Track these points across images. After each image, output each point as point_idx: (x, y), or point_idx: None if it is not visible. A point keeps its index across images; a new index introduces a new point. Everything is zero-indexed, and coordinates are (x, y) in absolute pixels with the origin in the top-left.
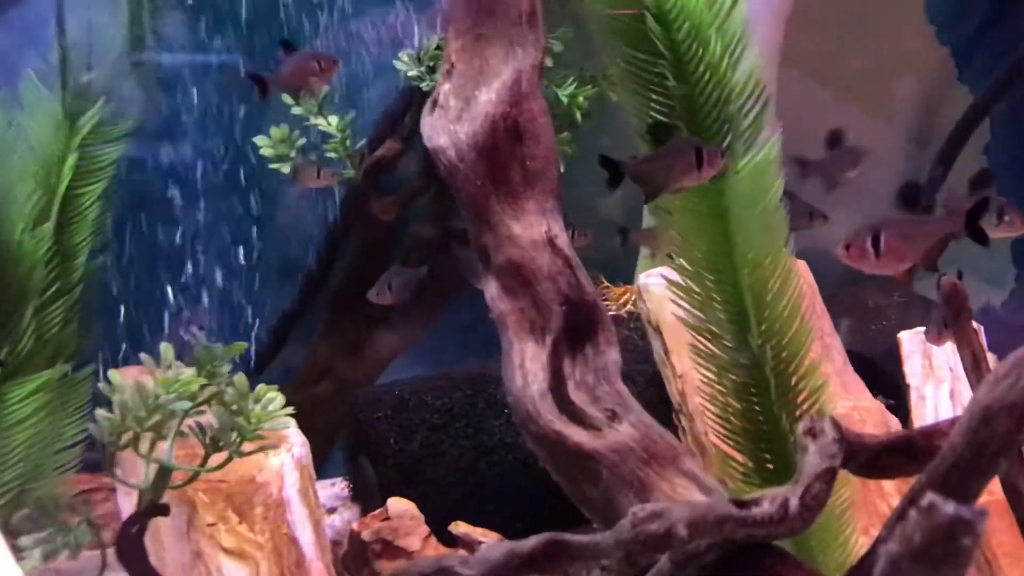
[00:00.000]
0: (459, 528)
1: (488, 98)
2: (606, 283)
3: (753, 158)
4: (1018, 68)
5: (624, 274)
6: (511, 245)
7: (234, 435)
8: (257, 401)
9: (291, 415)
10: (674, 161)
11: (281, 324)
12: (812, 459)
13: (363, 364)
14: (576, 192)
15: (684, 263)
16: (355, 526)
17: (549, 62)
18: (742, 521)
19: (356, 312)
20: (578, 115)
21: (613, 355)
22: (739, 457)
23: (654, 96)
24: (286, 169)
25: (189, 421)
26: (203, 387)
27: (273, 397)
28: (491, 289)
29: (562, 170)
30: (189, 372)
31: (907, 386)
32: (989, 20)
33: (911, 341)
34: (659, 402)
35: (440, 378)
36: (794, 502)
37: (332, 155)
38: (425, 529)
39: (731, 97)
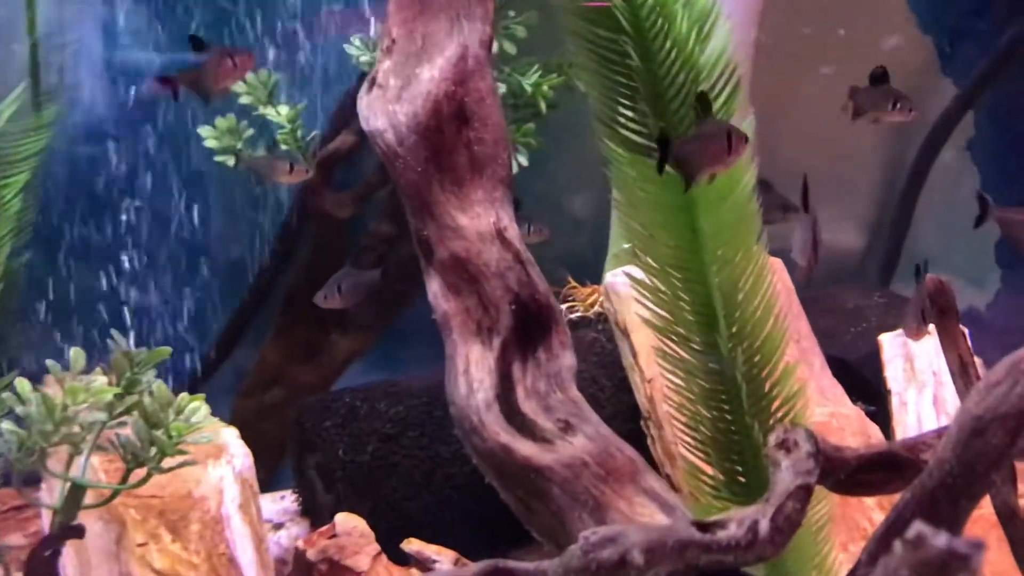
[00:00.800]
0: (412, 545)
1: (431, 75)
2: (573, 282)
3: None
4: (1002, 60)
5: (592, 273)
6: (456, 237)
7: (153, 450)
8: (179, 412)
9: (231, 425)
10: (708, 145)
11: (230, 327)
12: (785, 476)
13: (317, 369)
14: (542, 187)
15: (650, 260)
16: (300, 544)
17: (512, 49)
18: (706, 546)
19: (309, 314)
20: (543, 105)
21: (568, 359)
22: (709, 470)
23: (617, 77)
24: (231, 162)
25: (109, 433)
26: (121, 397)
27: (196, 407)
28: (433, 286)
29: (525, 163)
30: (101, 381)
31: (888, 391)
32: (973, 10)
33: (892, 344)
34: (628, 409)
35: (394, 385)
36: (764, 524)
37: (284, 147)
38: (375, 547)
39: (699, 78)
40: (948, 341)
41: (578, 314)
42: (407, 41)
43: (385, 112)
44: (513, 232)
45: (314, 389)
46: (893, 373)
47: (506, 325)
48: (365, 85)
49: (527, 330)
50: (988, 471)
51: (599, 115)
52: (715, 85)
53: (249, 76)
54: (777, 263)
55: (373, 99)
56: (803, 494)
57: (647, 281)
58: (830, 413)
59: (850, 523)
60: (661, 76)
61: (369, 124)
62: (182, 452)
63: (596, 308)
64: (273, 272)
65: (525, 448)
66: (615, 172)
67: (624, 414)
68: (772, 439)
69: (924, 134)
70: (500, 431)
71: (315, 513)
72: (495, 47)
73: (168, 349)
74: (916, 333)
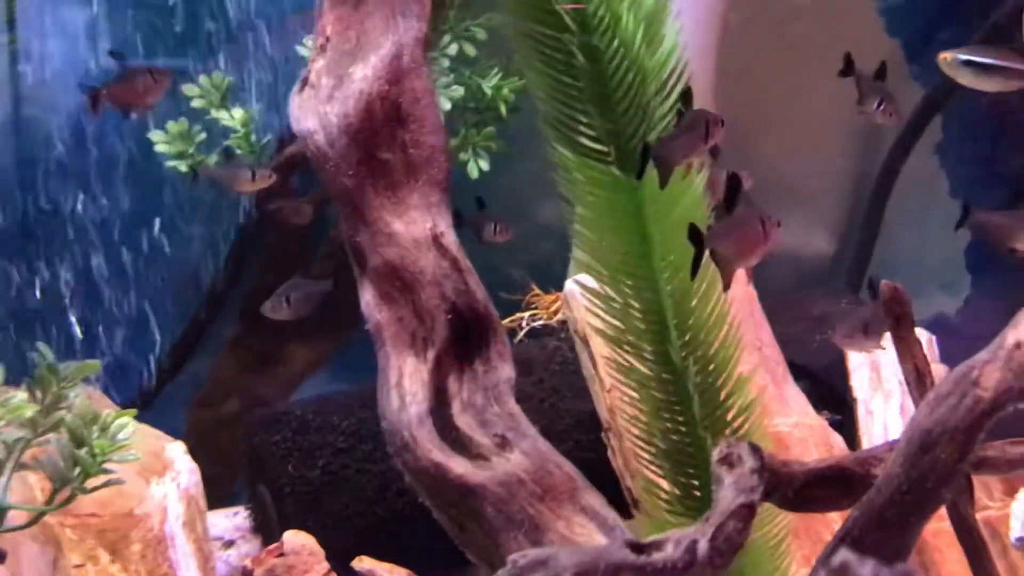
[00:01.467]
0: (363, 564)
1: (364, 74)
2: (536, 289)
3: None
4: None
5: (558, 280)
6: (390, 244)
7: (77, 470)
8: (104, 429)
9: (186, 438)
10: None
11: (185, 337)
12: (727, 493)
13: (273, 381)
14: (506, 192)
15: (600, 267)
16: (248, 563)
17: (472, 51)
18: (640, 569)
19: (266, 324)
20: (504, 108)
21: (506, 371)
22: (664, 484)
23: (564, 78)
24: (184, 167)
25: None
26: (47, 413)
27: (123, 424)
28: (367, 296)
29: (486, 168)
30: (20, 397)
31: (854, 400)
32: (941, 13)
33: (857, 352)
34: (589, 419)
35: (348, 396)
36: (703, 545)
37: (238, 151)
38: (325, 566)
39: (647, 79)
40: (904, 350)
41: (541, 322)
42: (341, 39)
43: (316, 113)
44: (450, 238)
45: (271, 400)
46: (859, 381)
47: (442, 336)
48: (297, 85)
49: (464, 341)
50: (938, 487)
51: (546, 117)
52: (664, 86)
53: (202, 78)
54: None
55: (304, 99)
56: (745, 512)
57: (599, 289)
58: (792, 423)
59: (813, 536)
60: (608, 77)
61: (299, 125)
62: (106, 471)
63: (559, 316)
64: (229, 280)
65: (458, 466)
66: (564, 177)
67: (585, 424)
68: (715, 454)
69: (893, 138)
70: (432, 448)
71: (267, 530)
72: (454, 49)
73: (97, 363)
74: (850, 342)
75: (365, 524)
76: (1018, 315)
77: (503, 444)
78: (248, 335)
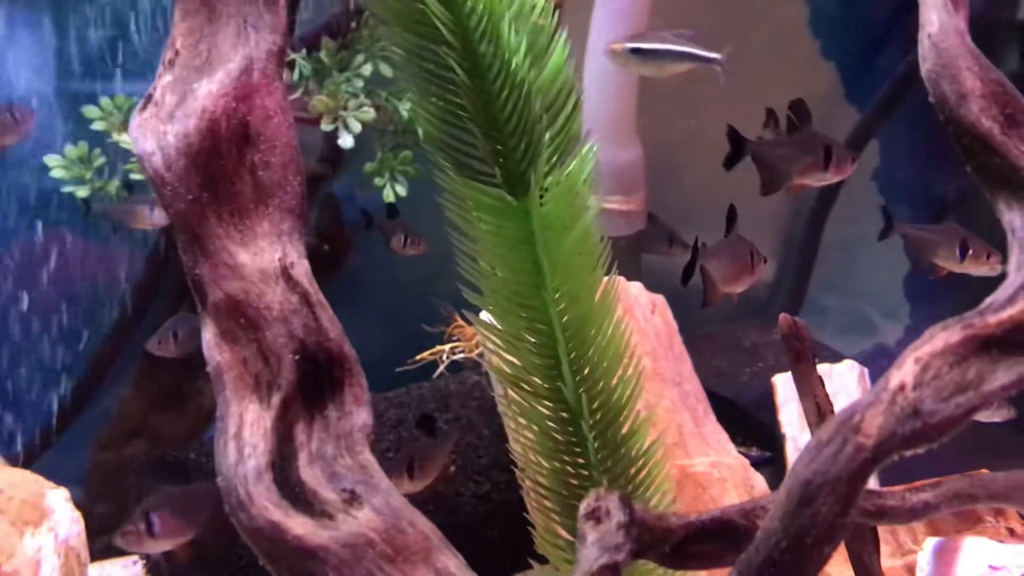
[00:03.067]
0: None
1: (208, 91)
2: (459, 321)
3: (563, 172)
4: (903, 85)
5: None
6: (233, 277)
7: None
8: None
9: (89, 480)
10: (801, 153)
11: (90, 372)
12: (589, 552)
13: (183, 419)
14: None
15: (493, 299)
16: None
17: (388, 71)
18: None
19: (173, 359)
20: (421, 131)
21: (362, 417)
22: (561, 532)
23: (445, 95)
24: (83, 192)
25: None
26: None
27: None
28: (207, 334)
29: (404, 193)
30: None
31: (783, 436)
32: (878, 34)
33: (787, 385)
34: (507, 458)
35: None
36: None
37: (135, 176)
38: None
39: (532, 97)
40: (804, 387)
41: (462, 355)
42: (191, 53)
43: (155, 132)
44: (302, 270)
45: (180, 442)
46: (788, 416)
47: (289, 379)
48: (140, 102)
49: (314, 384)
50: (820, 543)
51: (428, 136)
52: (552, 105)
53: (103, 100)
54: (660, 300)
55: (145, 118)
56: (608, 574)
57: (491, 322)
58: (711, 463)
59: None
60: (491, 95)
61: (138, 146)
62: None
63: (480, 349)
64: (137, 311)
65: (297, 526)
66: (451, 201)
67: (502, 464)
68: (582, 508)
69: None
70: (269, 506)
71: None
72: (369, 69)
73: None
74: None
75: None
76: (903, 355)
77: (352, 500)
78: (155, 370)
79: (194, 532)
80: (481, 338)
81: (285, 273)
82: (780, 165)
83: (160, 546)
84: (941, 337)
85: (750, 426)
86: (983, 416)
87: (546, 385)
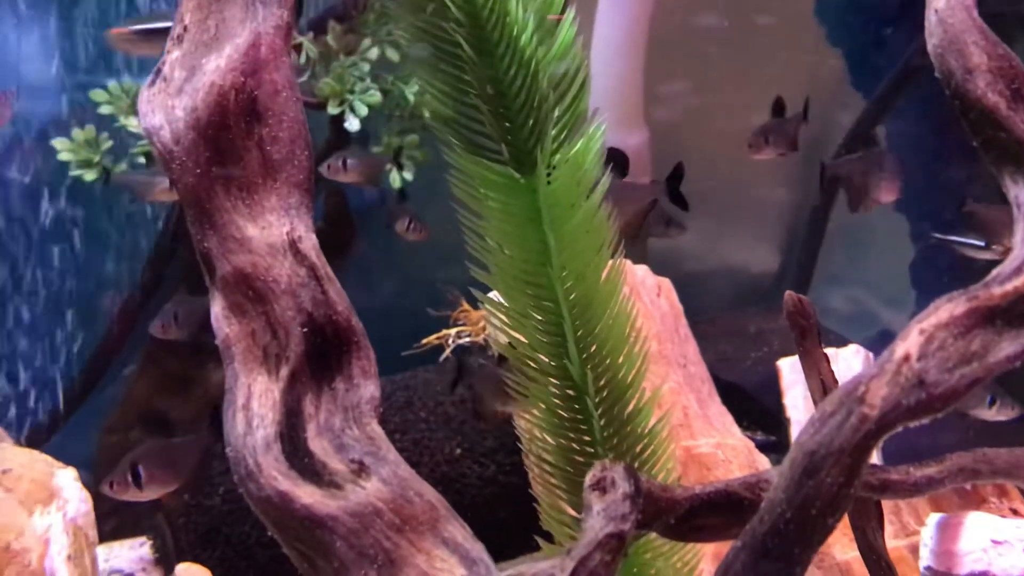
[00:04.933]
0: None
1: (216, 65)
2: (465, 305)
3: (570, 150)
4: (910, 71)
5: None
6: (241, 251)
7: None
8: None
9: (97, 463)
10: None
11: (96, 357)
12: (594, 522)
13: (189, 404)
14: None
15: (501, 277)
16: None
17: (395, 57)
18: None
19: (182, 343)
20: (427, 111)
21: (369, 390)
22: (567, 509)
23: (453, 71)
24: (90, 176)
25: None
26: None
27: None
28: (216, 307)
29: (410, 178)
30: None
31: (788, 420)
32: (883, 21)
33: (792, 370)
34: (512, 440)
35: None
36: None
37: (142, 159)
38: None
39: (539, 75)
40: (810, 365)
41: (468, 339)
42: (200, 28)
43: (163, 107)
44: (309, 244)
45: (186, 426)
46: (792, 400)
47: (297, 351)
48: (149, 77)
49: (322, 356)
50: (824, 514)
51: (435, 113)
52: (560, 83)
53: (111, 84)
54: (665, 283)
55: (154, 93)
56: (613, 544)
57: (499, 300)
58: (715, 444)
59: None
60: (499, 72)
61: (146, 121)
62: None
63: (487, 332)
64: (144, 296)
65: (306, 495)
66: (459, 178)
67: (508, 446)
68: (588, 479)
69: (833, 150)
70: (278, 475)
71: (167, 562)
72: (376, 53)
73: None
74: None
75: (269, 556)
76: (908, 327)
77: (360, 470)
78: (162, 355)
79: (179, 482)
80: (488, 316)
81: (293, 247)
82: (860, 182)
83: (146, 495)
84: (946, 309)
85: (755, 410)
86: (990, 415)
87: (552, 362)
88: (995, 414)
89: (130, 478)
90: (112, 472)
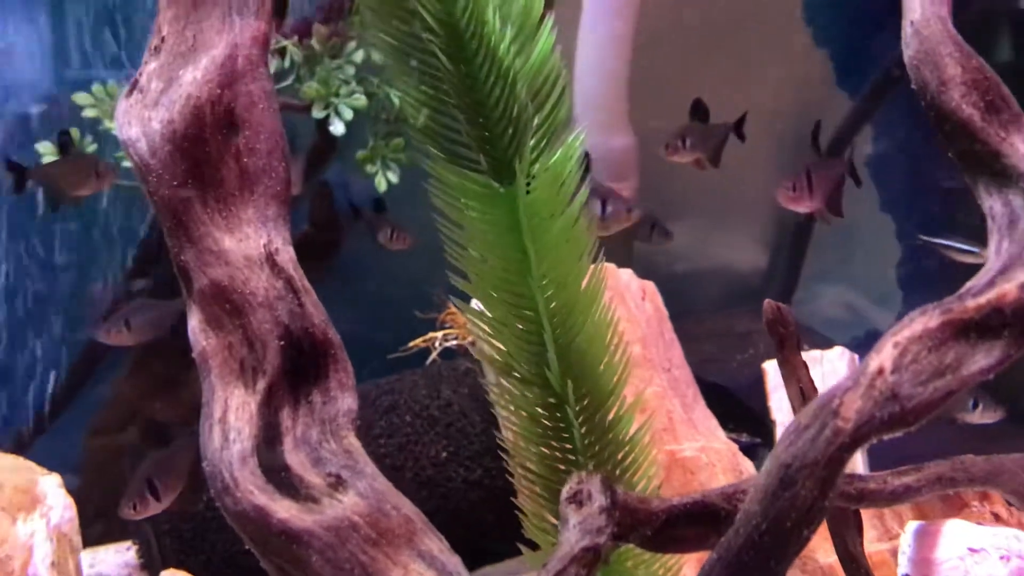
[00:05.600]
0: None
1: (193, 77)
2: (453, 308)
3: (550, 159)
4: (895, 72)
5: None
6: (218, 263)
7: None
8: None
9: (83, 467)
10: None
11: (82, 359)
12: (570, 535)
13: (177, 406)
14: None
15: (481, 286)
16: None
17: (379, 58)
18: None
19: (169, 344)
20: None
21: (347, 402)
22: (549, 517)
23: (430, 81)
24: None
25: None
26: None
27: None
28: (193, 320)
29: (395, 181)
30: None
31: (773, 422)
32: (870, 22)
33: (778, 372)
34: (499, 447)
35: None
36: None
37: (126, 163)
38: None
39: (516, 84)
40: (788, 372)
41: (455, 342)
42: (178, 39)
43: (140, 118)
44: (286, 256)
45: (173, 427)
46: (778, 403)
47: (274, 364)
48: (126, 89)
49: (299, 369)
50: (799, 526)
51: (414, 123)
52: (539, 92)
53: (95, 87)
54: (650, 286)
55: (131, 104)
56: (590, 557)
57: (479, 309)
58: (700, 448)
59: None
60: (476, 81)
61: (123, 133)
62: None
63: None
64: (130, 296)
65: (282, 510)
66: (438, 188)
67: (494, 450)
68: (564, 491)
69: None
70: (254, 490)
71: (152, 567)
72: (361, 56)
73: None
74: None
75: (252, 563)
76: (882, 339)
77: (337, 484)
78: (149, 356)
79: (183, 485)
80: (470, 325)
81: (270, 259)
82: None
83: (162, 507)
84: (920, 322)
85: (741, 412)
86: (975, 418)
87: (533, 371)
88: (979, 417)
89: (148, 493)
90: (127, 494)
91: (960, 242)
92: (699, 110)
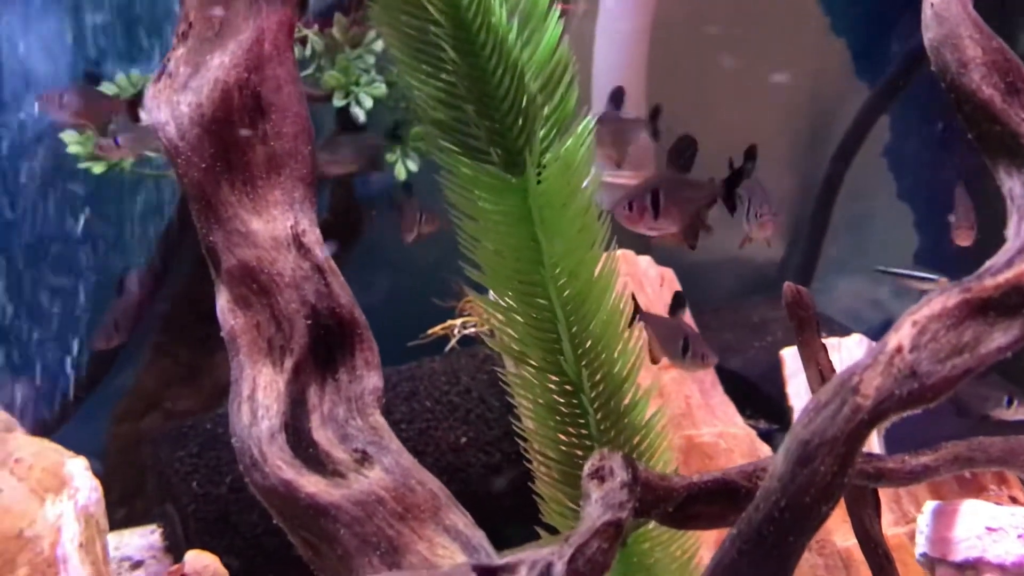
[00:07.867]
0: None
1: (221, 62)
2: (470, 296)
3: (560, 149)
4: (912, 63)
5: None
6: (246, 244)
7: None
8: None
9: (107, 452)
10: None
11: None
12: (592, 510)
13: (198, 393)
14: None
15: (495, 276)
16: None
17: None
18: None
19: (191, 332)
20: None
21: (372, 381)
22: (566, 501)
23: (440, 74)
24: (99, 168)
25: None
26: None
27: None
28: (221, 300)
29: (415, 168)
30: None
31: (790, 408)
32: (889, 11)
33: (795, 359)
34: (517, 432)
35: None
36: (559, 569)
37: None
38: None
39: (525, 77)
40: (808, 355)
41: (473, 329)
42: (204, 25)
43: (169, 103)
44: (313, 237)
45: (195, 414)
46: (795, 389)
47: (301, 343)
48: (155, 74)
49: (326, 348)
50: (818, 502)
51: (424, 117)
52: (547, 84)
53: (119, 77)
54: (668, 273)
55: (159, 89)
56: (611, 531)
57: (493, 298)
58: (717, 433)
59: None
60: (486, 74)
61: (152, 117)
62: None
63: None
64: (152, 285)
65: (310, 484)
66: (451, 180)
67: (512, 436)
68: (586, 467)
69: (838, 141)
70: (283, 465)
71: (177, 550)
72: (381, 45)
73: None
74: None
75: (276, 544)
76: (901, 318)
77: (363, 460)
78: (172, 344)
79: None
80: (486, 314)
81: (297, 240)
82: None
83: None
84: (938, 301)
85: (758, 399)
86: (1010, 415)
87: (548, 359)
88: (1014, 414)
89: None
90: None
91: (919, 271)
92: (615, 97)
